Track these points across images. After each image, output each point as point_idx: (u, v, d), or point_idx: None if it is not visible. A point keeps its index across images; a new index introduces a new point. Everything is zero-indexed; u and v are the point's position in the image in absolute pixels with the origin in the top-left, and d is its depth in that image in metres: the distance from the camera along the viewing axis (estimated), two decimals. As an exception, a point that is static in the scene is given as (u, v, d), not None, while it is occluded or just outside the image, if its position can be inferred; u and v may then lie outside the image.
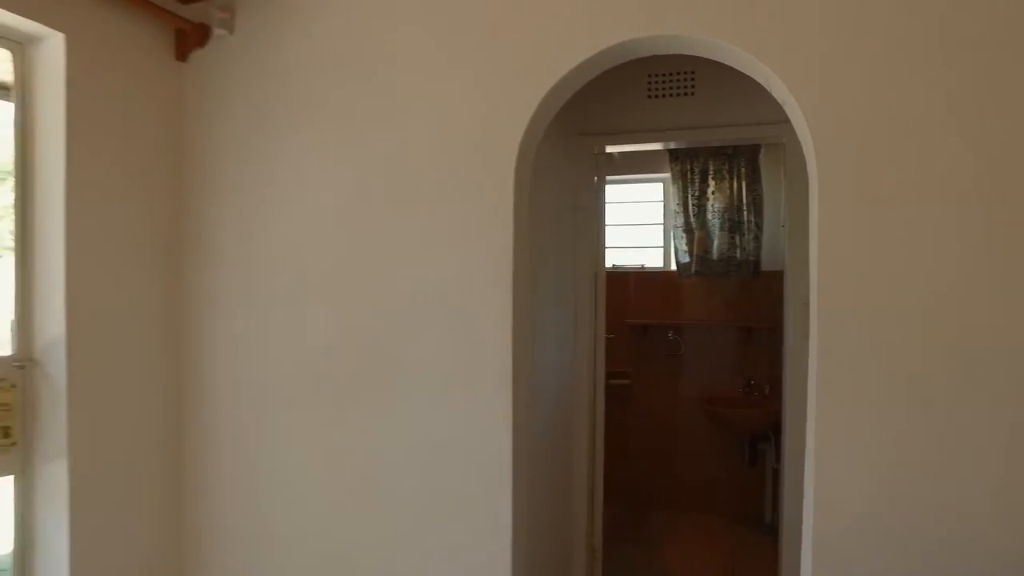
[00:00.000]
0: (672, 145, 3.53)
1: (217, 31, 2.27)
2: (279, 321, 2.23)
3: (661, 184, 4.65)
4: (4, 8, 1.80)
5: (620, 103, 2.96)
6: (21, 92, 2.02)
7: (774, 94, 1.79)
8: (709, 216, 4.22)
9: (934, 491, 1.56)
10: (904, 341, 1.58)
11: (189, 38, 2.30)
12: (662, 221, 4.68)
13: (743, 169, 4.09)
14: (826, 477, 1.64)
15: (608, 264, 4.68)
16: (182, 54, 2.33)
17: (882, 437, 1.60)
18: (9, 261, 2.09)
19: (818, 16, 1.64)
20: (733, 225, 4.15)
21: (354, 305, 2.13)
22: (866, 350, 1.61)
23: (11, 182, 2.06)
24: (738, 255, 4.14)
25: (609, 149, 3.13)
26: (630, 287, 4.64)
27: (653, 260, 4.72)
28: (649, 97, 2.93)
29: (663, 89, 2.90)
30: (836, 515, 1.64)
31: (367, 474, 2.11)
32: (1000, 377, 1.52)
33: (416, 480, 2.04)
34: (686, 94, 2.88)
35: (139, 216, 2.24)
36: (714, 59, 1.86)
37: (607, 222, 4.61)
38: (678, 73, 2.84)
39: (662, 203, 4.66)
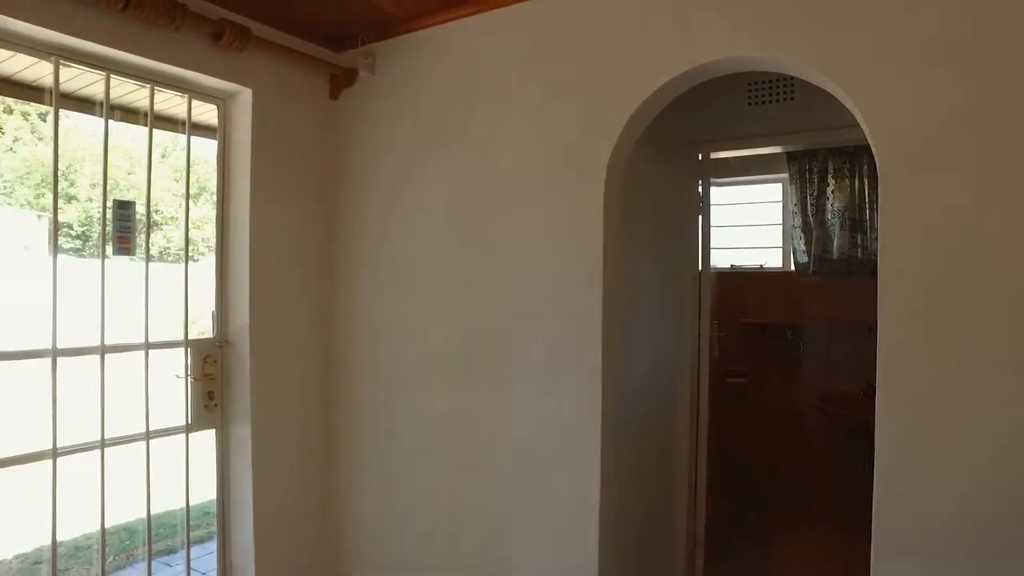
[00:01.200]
0: (776, 149, 3.56)
1: (362, 73, 2.76)
2: (410, 315, 2.67)
3: (780, 184, 4.63)
4: (215, 76, 2.38)
5: (722, 111, 3.09)
6: (222, 133, 2.62)
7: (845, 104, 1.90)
8: (828, 216, 4.16)
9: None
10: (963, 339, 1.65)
11: (340, 80, 2.81)
12: (781, 222, 4.65)
13: (865, 167, 4.00)
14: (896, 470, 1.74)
15: (726, 264, 4.79)
16: (335, 94, 2.84)
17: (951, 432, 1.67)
18: (210, 262, 2.71)
19: (877, 40, 1.75)
20: (854, 224, 4.06)
21: (469, 303, 2.50)
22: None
23: (211, 199, 2.67)
24: (859, 254, 4.04)
25: (713, 156, 3.27)
26: (748, 287, 4.67)
27: (772, 260, 4.71)
28: (749, 104, 3.03)
29: (763, 96, 3.00)
30: (909, 510, 1.73)
31: (477, 444, 2.48)
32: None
33: (517, 450, 2.37)
34: (786, 99, 2.95)
35: (302, 226, 2.79)
36: (788, 74, 2.00)
37: (722, 223, 4.75)
38: (777, 80, 2.93)
39: (780, 203, 4.64)
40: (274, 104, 2.61)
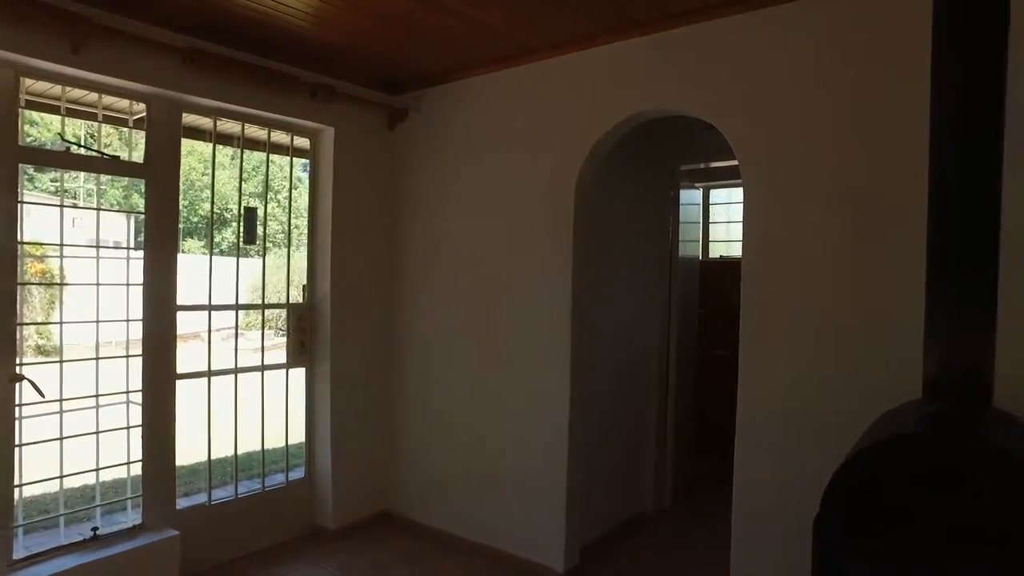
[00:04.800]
0: (732, 162, 4.40)
1: (412, 112, 3.80)
2: (444, 299, 3.71)
3: (764, 187, 5.44)
4: (309, 120, 3.48)
5: (686, 133, 3.98)
6: (313, 157, 3.72)
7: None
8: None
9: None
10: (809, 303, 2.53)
11: (396, 117, 3.86)
12: (763, 218, 5.46)
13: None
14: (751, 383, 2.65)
15: (715, 255, 5.63)
16: (392, 126, 3.90)
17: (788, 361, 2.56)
18: (303, 252, 3.81)
19: (737, 92, 2.64)
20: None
21: (486, 285, 3.51)
22: (781, 308, 2.59)
23: (307, 205, 3.78)
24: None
25: (683, 167, 4.16)
26: (736, 274, 5.49)
27: (755, 252, 5.52)
28: (705, 128, 3.91)
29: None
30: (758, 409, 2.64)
31: (487, 394, 3.50)
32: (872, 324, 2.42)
33: (516, 393, 3.37)
34: None
35: (370, 227, 3.86)
36: (693, 116, 2.91)
37: (714, 220, 5.60)
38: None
39: (764, 203, 5.45)
40: (349, 135, 3.69)
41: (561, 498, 3.21)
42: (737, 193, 5.70)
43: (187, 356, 3.38)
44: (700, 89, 2.78)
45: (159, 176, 3.04)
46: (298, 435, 3.80)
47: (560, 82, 3.20)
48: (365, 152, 3.81)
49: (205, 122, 3.26)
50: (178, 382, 3.15)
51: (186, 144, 3.34)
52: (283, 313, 3.82)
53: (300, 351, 3.71)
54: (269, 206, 3.55)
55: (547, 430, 3.26)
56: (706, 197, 5.69)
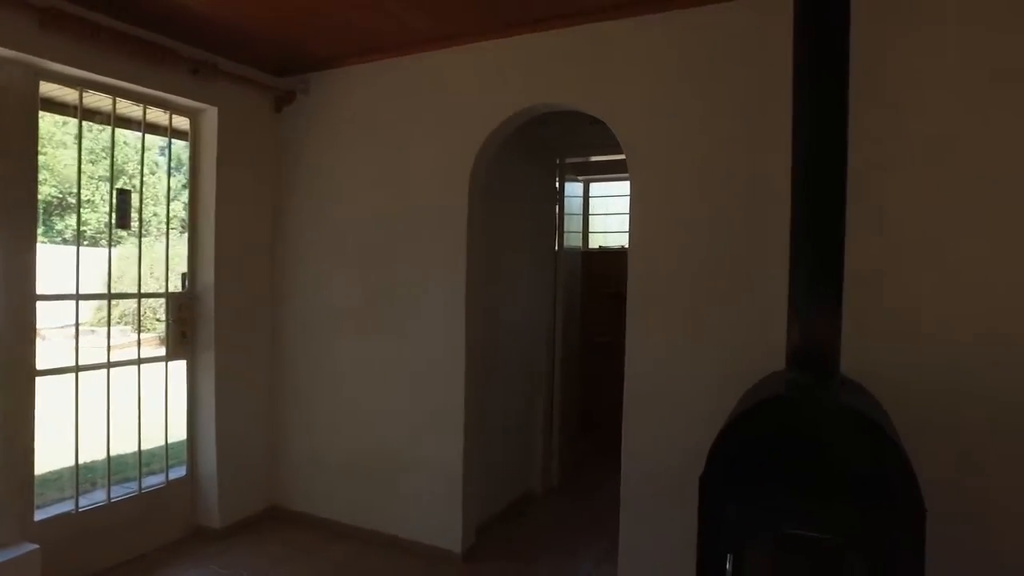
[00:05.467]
0: (616, 156, 4.67)
1: (299, 95, 3.69)
2: (335, 285, 3.65)
3: (639, 182, 5.81)
4: (189, 98, 3.28)
5: (571, 128, 4.18)
6: (193, 138, 3.50)
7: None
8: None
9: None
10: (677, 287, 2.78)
11: (282, 99, 3.72)
12: (638, 211, 5.84)
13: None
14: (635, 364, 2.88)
15: (595, 245, 5.95)
16: (278, 108, 3.76)
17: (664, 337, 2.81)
18: (184, 237, 3.59)
19: (630, 92, 2.85)
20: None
21: (377, 270, 3.49)
22: (655, 291, 2.83)
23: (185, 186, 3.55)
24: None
25: (568, 160, 4.37)
26: (615, 264, 5.83)
27: (631, 242, 5.90)
28: (588, 124, 4.13)
29: (594, 118, 4.10)
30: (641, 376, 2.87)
31: (381, 372, 3.49)
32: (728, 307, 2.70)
33: (411, 376, 3.40)
34: None
35: (255, 209, 3.70)
36: (582, 111, 3.08)
37: (594, 212, 5.91)
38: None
39: (639, 197, 5.82)
40: (233, 116, 3.51)
41: (458, 481, 3.29)
42: (615, 186, 6.05)
43: (47, 352, 3.08)
44: (595, 87, 2.95)
45: (13, 150, 2.75)
46: (179, 432, 3.58)
47: (457, 73, 3.26)
48: (250, 134, 3.65)
49: (69, 94, 2.98)
50: (39, 379, 2.87)
51: (44, 117, 3.03)
52: (149, 305, 3.57)
53: (181, 342, 3.50)
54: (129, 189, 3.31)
55: (443, 414, 3.32)
56: (586, 190, 5.98)
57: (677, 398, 2.79)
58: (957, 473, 2.26)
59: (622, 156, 4.38)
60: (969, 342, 2.28)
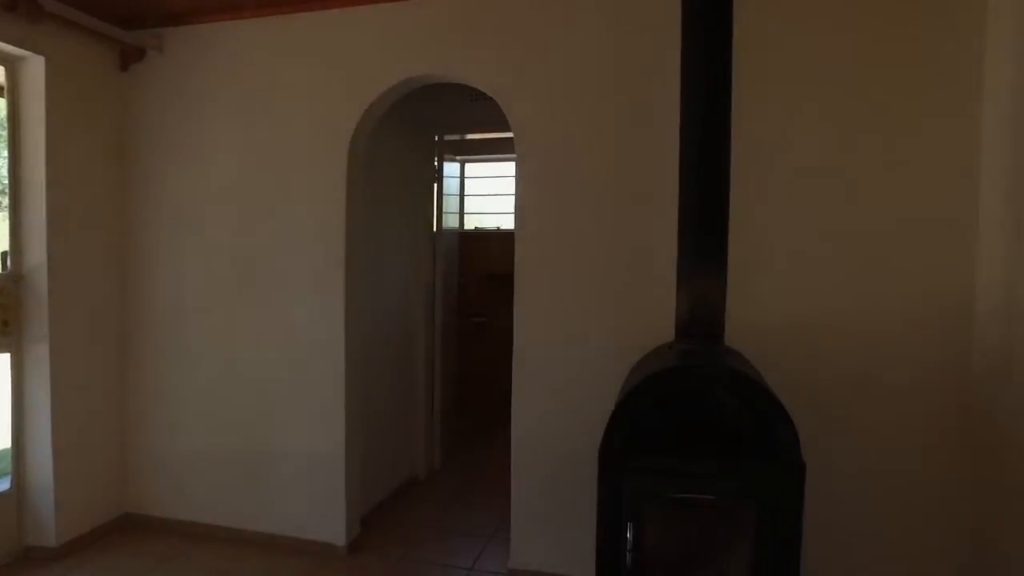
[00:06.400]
0: (499, 135, 4.66)
1: (150, 51, 3.27)
2: (190, 256, 3.29)
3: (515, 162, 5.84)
4: (8, 42, 2.77)
5: (451, 104, 4.09)
6: (10, 90, 2.98)
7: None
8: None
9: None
10: (555, 253, 2.81)
11: (130, 55, 3.28)
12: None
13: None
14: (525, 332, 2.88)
15: (471, 226, 5.92)
16: (124, 66, 3.31)
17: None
18: (2, 210, 3.06)
19: (519, 65, 2.82)
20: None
21: (244, 240, 3.20)
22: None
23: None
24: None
25: (447, 138, 4.27)
26: (490, 245, 5.85)
27: (509, 223, 5.93)
28: (471, 100, 4.06)
29: (479, 94, 4.03)
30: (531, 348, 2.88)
31: (250, 359, 3.22)
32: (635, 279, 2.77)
33: (280, 350, 3.17)
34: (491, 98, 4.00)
35: (95, 178, 3.25)
36: (467, 84, 3.00)
37: (469, 193, 5.88)
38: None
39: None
40: (65, 70, 3.04)
41: (339, 470, 3.13)
42: (492, 167, 6.05)
43: None
44: (481, 58, 2.89)
45: None
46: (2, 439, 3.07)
47: (338, 36, 3.04)
48: (90, 94, 3.18)
49: None
50: None
51: None
52: (-28, 287, 3.02)
53: (2, 332, 3.00)
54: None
55: (322, 401, 3.13)
56: (462, 170, 5.92)
57: (568, 371, 2.82)
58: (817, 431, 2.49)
59: (504, 134, 4.39)
60: (802, 317, 2.52)
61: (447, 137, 4.28)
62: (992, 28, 2.33)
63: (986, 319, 2.33)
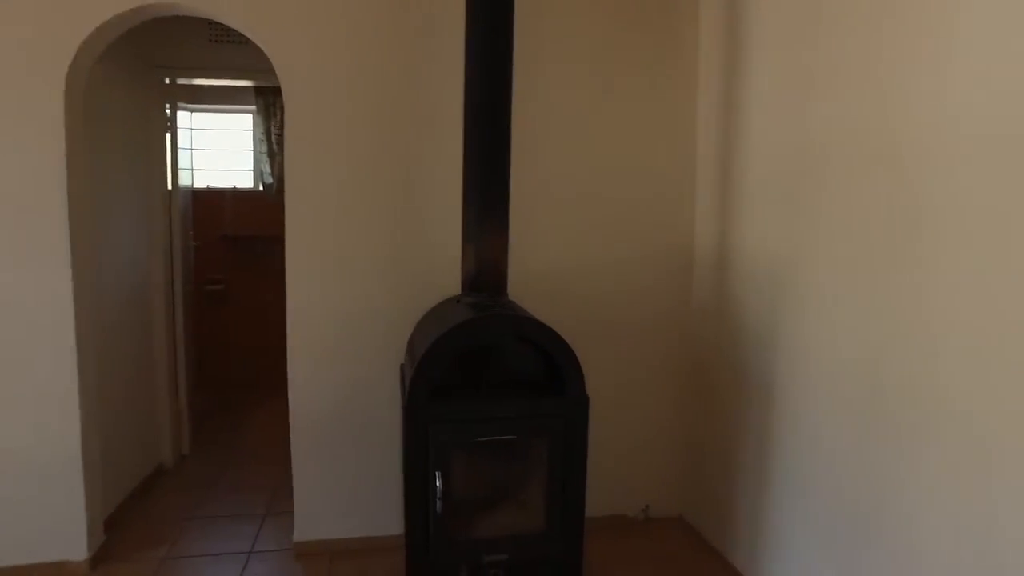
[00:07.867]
0: (240, 83, 4.20)
1: None
2: None
3: (251, 115, 5.33)
4: None
5: (188, 44, 3.56)
6: None
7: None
8: (288, 144, 5.10)
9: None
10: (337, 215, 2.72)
11: None
12: (252, 148, 5.40)
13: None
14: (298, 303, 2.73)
15: (203, 184, 5.29)
16: None
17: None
18: None
19: (289, 10, 2.59)
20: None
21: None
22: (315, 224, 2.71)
23: None
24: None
25: (181, 82, 3.72)
26: (224, 204, 5.30)
27: (244, 182, 5.44)
28: (211, 41, 3.60)
29: (222, 36, 3.59)
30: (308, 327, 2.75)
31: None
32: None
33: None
34: (242, 42, 3.57)
35: None
36: (221, 22, 2.66)
37: (199, 147, 5.22)
38: (232, 26, 3.57)
39: (251, 132, 5.37)
40: None
41: (76, 470, 2.62)
42: (223, 118, 5.44)
43: None
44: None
45: None
46: None
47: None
48: None
49: None
50: None
51: None
52: None
53: None
54: None
55: (48, 389, 2.58)
56: (190, 122, 5.20)
57: (347, 331, 2.76)
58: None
59: (243, 82, 4.00)
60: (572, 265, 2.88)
61: (179, 82, 3.72)
62: (704, 13, 2.85)
63: (701, 264, 2.91)
